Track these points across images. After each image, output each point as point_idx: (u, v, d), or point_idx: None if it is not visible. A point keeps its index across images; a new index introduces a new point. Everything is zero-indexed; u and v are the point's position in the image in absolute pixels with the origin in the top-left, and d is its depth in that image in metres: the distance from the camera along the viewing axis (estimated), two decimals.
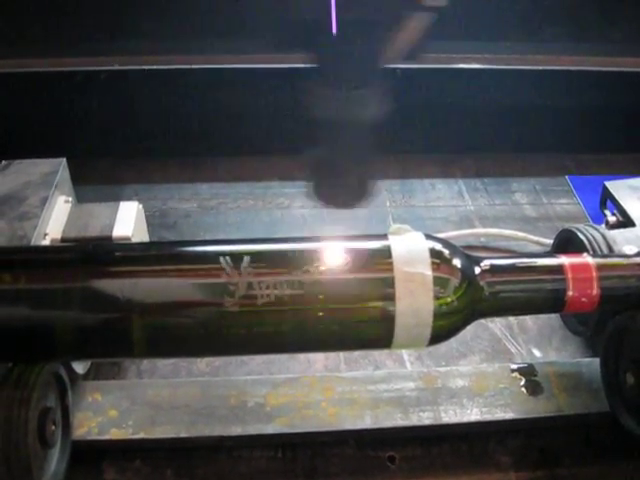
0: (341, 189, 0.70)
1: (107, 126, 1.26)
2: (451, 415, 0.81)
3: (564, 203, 1.22)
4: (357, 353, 0.92)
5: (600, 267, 0.74)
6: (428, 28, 0.61)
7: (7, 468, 0.64)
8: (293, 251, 0.70)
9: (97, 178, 1.19)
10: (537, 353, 0.94)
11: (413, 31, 0.61)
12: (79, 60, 1.19)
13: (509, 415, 0.81)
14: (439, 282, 0.68)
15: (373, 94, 0.64)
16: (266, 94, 1.22)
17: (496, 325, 0.97)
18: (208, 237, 1.10)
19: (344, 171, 0.68)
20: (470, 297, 0.70)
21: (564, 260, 0.74)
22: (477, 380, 0.85)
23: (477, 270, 0.72)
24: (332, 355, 0.92)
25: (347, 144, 0.68)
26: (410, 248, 0.69)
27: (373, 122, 0.66)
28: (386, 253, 0.69)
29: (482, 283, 0.71)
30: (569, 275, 0.73)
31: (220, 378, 0.88)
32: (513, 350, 0.95)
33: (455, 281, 0.69)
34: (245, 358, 0.91)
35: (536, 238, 1.11)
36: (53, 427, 0.70)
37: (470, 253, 0.74)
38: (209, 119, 1.25)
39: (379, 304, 0.68)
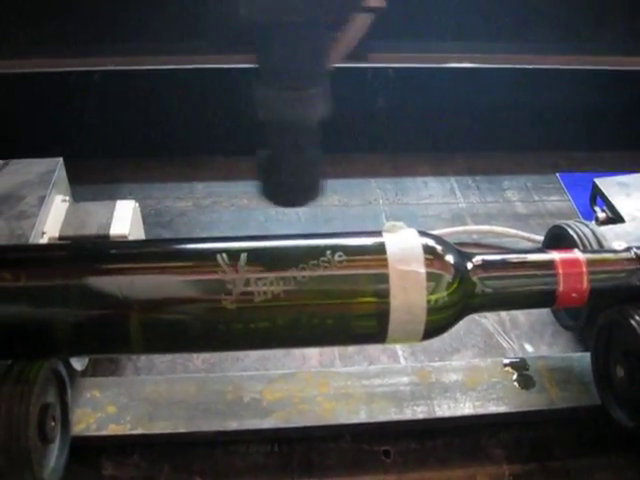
0: (289, 189, 0.70)
1: (103, 126, 1.26)
2: (445, 409, 0.82)
3: (555, 200, 1.23)
4: (352, 349, 0.93)
5: (590, 262, 0.75)
6: (369, 28, 0.63)
7: (8, 462, 0.65)
8: (289, 248, 0.71)
9: (93, 177, 1.20)
10: (529, 348, 0.95)
11: (356, 31, 0.62)
12: (74, 61, 1.20)
13: (502, 409, 0.82)
14: (432, 278, 0.69)
15: (318, 95, 0.65)
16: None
17: (488, 321, 0.98)
18: (204, 235, 1.10)
19: (292, 171, 0.69)
20: (462, 293, 0.71)
21: (555, 256, 0.75)
22: (470, 375, 0.86)
23: (469, 266, 0.73)
24: (327, 351, 0.93)
25: (295, 145, 0.69)
26: (404, 245, 0.70)
27: (320, 122, 0.67)
28: (381, 250, 0.70)
29: (474, 279, 0.73)
30: (560, 270, 0.74)
31: (216, 374, 0.89)
32: (505, 345, 0.96)
33: (448, 277, 0.70)
34: (241, 354, 0.92)
35: (527, 235, 1.12)
36: (53, 423, 0.71)
37: (462, 249, 0.75)
38: (205, 118, 1.26)
39: (374, 301, 0.69)
